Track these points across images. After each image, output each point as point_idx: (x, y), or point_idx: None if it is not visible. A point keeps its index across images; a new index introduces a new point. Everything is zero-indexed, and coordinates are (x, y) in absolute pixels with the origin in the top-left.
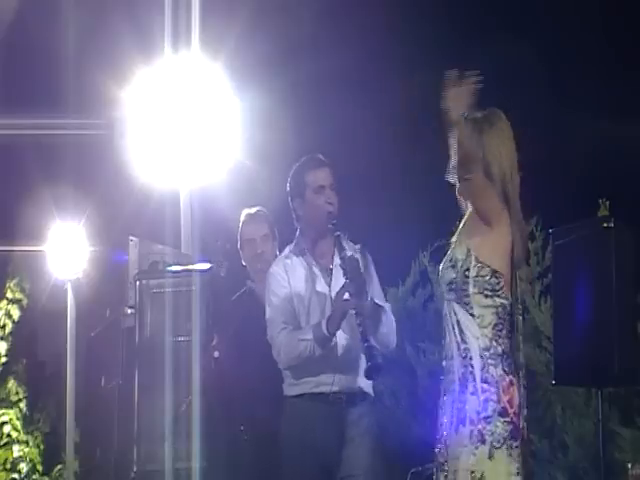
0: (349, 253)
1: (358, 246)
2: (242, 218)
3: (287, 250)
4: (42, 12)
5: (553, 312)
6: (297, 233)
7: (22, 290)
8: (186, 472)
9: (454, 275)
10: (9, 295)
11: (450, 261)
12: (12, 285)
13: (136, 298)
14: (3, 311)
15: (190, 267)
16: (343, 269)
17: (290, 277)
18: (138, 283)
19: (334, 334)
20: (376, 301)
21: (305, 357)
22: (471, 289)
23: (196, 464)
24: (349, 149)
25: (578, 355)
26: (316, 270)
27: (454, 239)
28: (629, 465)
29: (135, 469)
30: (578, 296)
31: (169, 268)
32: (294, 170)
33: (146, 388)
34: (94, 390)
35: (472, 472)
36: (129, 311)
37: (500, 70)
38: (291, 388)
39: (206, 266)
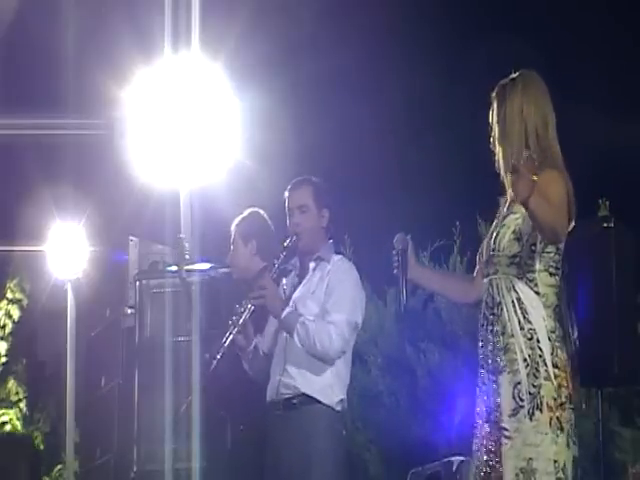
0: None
1: (337, 257)
2: (234, 224)
3: None
4: (42, 12)
5: None
6: None
7: (22, 290)
8: (186, 472)
9: (519, 249)
10: (9, 295)
11: (514, 233)
12: (12, 285)
13: (136, 298)
14: (3, 311)
15: (190, 267)
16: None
17: None
18: (138, 283)
19: (243, 347)
20: (307, 316)
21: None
22: (537, 265)
23: (196, 464)
24: (349, 149)
25: (578, 355)
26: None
27: (516, 209)
28: (629, 465)
29: (135, 469)
30: (578, 296)
31: (169, 268)
32: None
33: (146, 388)
34: (94, 390)
35: (555, 461)
36: (129, 311)
37: (500, 70)
38: None
39: (206, 266)
